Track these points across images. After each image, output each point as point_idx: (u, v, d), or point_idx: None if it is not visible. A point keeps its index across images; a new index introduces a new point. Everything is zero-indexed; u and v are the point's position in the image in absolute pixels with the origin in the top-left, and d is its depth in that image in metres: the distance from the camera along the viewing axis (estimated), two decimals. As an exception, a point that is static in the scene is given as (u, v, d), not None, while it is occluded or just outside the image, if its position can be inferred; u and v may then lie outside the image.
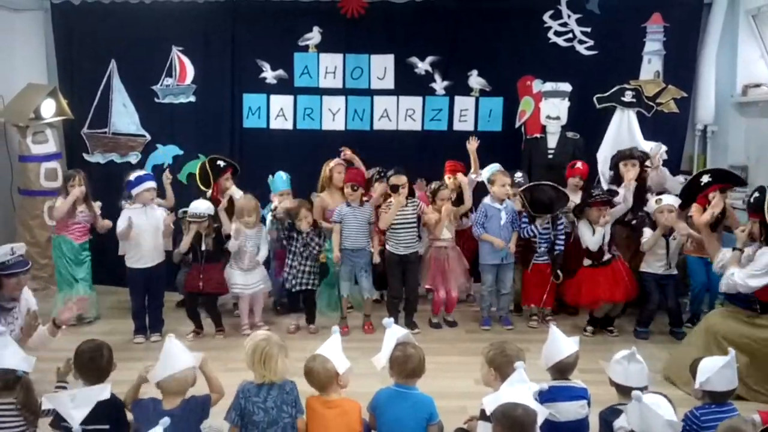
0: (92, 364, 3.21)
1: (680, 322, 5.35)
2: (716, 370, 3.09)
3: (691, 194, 5.18)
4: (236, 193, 5.63)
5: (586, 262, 5.30)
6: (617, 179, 5.51)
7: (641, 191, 5.44)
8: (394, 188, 5.15)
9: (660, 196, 5.27)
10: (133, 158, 6.58)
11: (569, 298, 5.42)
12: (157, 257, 5.19)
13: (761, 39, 6.36)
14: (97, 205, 5.53)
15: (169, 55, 6.52)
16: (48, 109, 6.16)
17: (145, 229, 5.11)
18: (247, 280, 5.28)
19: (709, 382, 3.10)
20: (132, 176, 5.17)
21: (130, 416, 3.21)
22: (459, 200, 5.62)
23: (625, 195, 5.35)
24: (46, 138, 6.23)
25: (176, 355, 3.16)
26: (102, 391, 3.06)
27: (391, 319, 3.38)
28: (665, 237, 5.17)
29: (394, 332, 3.28)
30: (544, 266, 5.42)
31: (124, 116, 6.58)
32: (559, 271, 5.40)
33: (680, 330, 5.28)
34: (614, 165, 5.56)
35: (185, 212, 5.38)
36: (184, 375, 3.12)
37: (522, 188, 5.47)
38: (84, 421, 2.92)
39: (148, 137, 6.61)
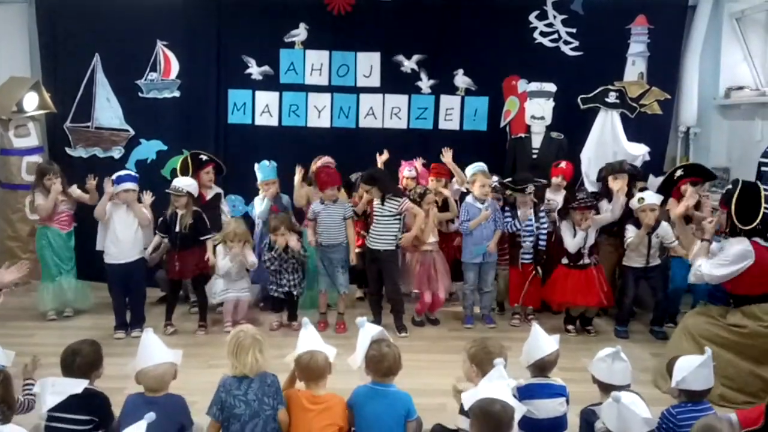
0: (65, 364, 3.20)
1: (662, 320, 5.38)
2: (692, 369, 3.11)
3: (667, 189, 5.25)
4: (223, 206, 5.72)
5: (564, 260, 5.33)
6: (606, 192, 5.49)
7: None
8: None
9: (642, 194, 5.30)
10: (117, 153, 6.53)
11: (544, 294, 5.44)
12: (135, 253, 5.17)
13: (744, 42, 6.43)
14: (73, 189, 5.52)
15: (154, 49, 6.47)
16: (30, 102, 6.10)
17: (124, 223, 5.10)
18: (232, 286, 5.30)
19: (685, 381, 3.12)
20: (114, 175, 5.15)
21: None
22: (443, 206, 5.66)
23: (613, 207, 5.36)
24: (28, 131, 6.18)
25: (152, 348, 3.16)
26: (76, 386, 3.08)
27: (364, 318, 3.39)
28: (647, 235, 5.19)
29: (368, 331, 3.28)
30: (528, 265, 5.43)
31: (108, 110, 6.52)
32: (539, 268, 5.41)
33: (660, 329, 5.32)
34: (603, 177, 5.56)
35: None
36: (161, 369, 3.11)
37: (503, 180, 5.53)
38: (66, 410, 2.99)
39: (132, 132, 6.56)
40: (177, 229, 5.09)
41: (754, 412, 3.17)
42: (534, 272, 5.41)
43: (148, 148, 6.53)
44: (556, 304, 5.43)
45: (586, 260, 5.26)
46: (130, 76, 6.49)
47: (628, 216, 5.32)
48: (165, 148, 6.53)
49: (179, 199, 5.08)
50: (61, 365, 3.22)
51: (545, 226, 5.43)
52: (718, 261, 4.15)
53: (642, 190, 5.43)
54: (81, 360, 3.18)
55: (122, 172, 5.22)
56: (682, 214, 4.81)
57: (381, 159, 6.05)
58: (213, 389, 3.24)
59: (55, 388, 3.06)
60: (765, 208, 4.05)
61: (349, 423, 3.24)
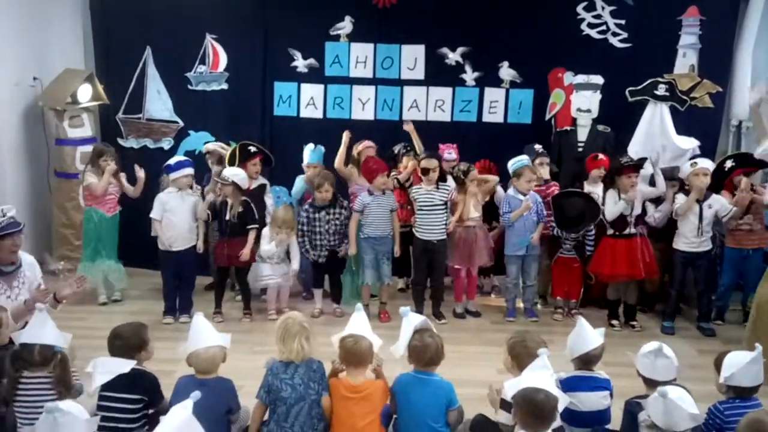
0: (111, 345, 3.30)
1: (708, 315, 5.28)
2: (742, 365, 3.07)
3: (718, 181, 5.14)
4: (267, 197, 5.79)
5: (609, 231, 5.25)
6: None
7: None
8: (425, 171, 5.20)
9: (695, 159, 5.19)
10: (166, 144, 6.69)
11: (591, 268, 5.36)
12: (189, 240, 5.31)
13: (800, 33, 6.24)
14: (122, 176, 5.71)
15: (203, 42, 6.60)
16: (84, 93, 6.30)
17: (179, 212, 5.24)
18: (275, 270, 5.37)
19: (733, 377, 3.08)
20: (172, 161, 5.30)
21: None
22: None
23: (657, 184, 5.28)
24: (82, 122, 6.37)
25: (202, 331, 3.25)
26: (124, 366, 3.18)
27: (408, 308, 3.42)
28: (699, 203, 5.07)
29: (410, 321, 3.32)
30: (571, 260, 5.39)
31: (158, 102, 6.69)
32: (591, 273, 5.36)
33: (708, 325, 5.23)
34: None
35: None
36: (211, 352, 3.20)
37: (554, 196, 5.46)
38: (116, 390, 3.10)
39: (181, 123, 6.71)
40: (227, 217, 5.21)
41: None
42: (581, 266, 5.39)
43: (197, 140, 6.65)
44: (605, 277, 5.32)
45: (632, 230, 5.17)
46: (179, 69, 6.63)
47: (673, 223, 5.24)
48: (213, 139, 6.62)
49: (225, 188, 5.19)
50: (108, 347, 3.32)
51: (592, 232, 5.38)
52: None
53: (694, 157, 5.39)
54: (120, 343, 3.28)
55: (181, 158, 5.36)
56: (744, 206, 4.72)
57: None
58: (258, 375, 3.35)
59: (105, 368, 3.17)
60: None
61: (392, 410, 3.29)
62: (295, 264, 5.40)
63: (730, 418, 2.97)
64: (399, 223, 5.42)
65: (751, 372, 3.05)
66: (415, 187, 5.34)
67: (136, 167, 5.74)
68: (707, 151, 6.21)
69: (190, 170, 5.31)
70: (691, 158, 5.47)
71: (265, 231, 5.35)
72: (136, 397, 3.16)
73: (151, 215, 5.30)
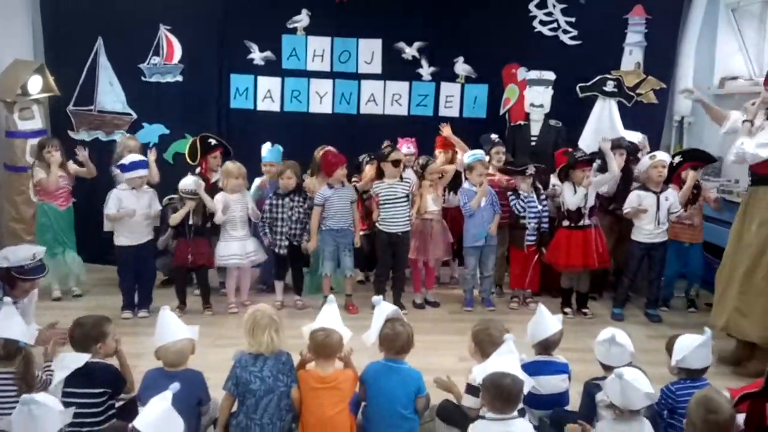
0: (71, 333, 3.29)
1: (656, 302, 5.52)
2: (692, 348, 3.22)
3: (667, 177, 5.38)
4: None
5: (565, 223, 5.41)
6: (604, 167, 5.61)
7: (627, 182, 5.56)
8: (396, 163, 5.28)
9: (654, 153, 5.42)
10: (119, 136, 6.54)
11: (547, 257, 5.50)
12: (146, 235, 5.27)
13: (740, 33, 6.55)
14: (71, 165, 5.64)
15: (157, 33, 6.52)
16: (35, 85, 6.13)
17: (135, 207, 5.17)
18: (243, 249, 5.34)
19: (684, 360, 3.23)
20: (126, 160, 5.21)
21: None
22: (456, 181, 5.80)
23: (612, 171, 5.47)
24: (32, 114, 6.20)
25: (170, 324, 3.26)
26: (79, 359, 3.15)
27: (380, 297, 3.50)
28: (656, 194, 5.28)
29: (383, 309, 3.39)
30: (531, 246, 5.52)
31: (111, 94, 6.57)
32: (543, 249, 5.52)
33: (655, 312, 5.46)
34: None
35: (171, 199, 5.55)
36: (180, 345, 3.21)
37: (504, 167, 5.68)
38: (76, 385, 3.06)
39: (134, 116, 6.62)
40: (190, 222, 5.21)
41: (737, 393, 3.31)
42: (538, 254, 5.52)
43: (151, 132, 6.57)
44: (559, 266, 5.47)
45: (587, 221, 5.35)
46: (133, 60, 6.53)
47: (624, 193, 5.46)
48: (167, 132, 6.58)
49: (189, 202, 5.21)
50: (69, 338, 3.31)
51: (547, 209, 5.55)
52: (762, 140, 4.15)
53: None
54: (80, 331, 3.26)
55: (135, 158, 5.26)
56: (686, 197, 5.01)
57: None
58: (222, 367, 3.36)
59: (63, 363, 3.14)
60: None
61: (361, 397, 3.36)
62: (252, 205, 5.40)
63: (681, 398, 3.13)
64: (360, 230, 5.51)
65: (701, 354, 3.22)
66: (376, 182, 5.40)
67: (79, 148, 5.67)
68: (652, 145, 6.46)
69: (144, 172, 5.25)
70: (649, 152, 5.70)
71: (218, 197, 5.30)
72: (98, 391, 3.13)
73: (106, 211, 5.21)
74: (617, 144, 5.68)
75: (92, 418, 3.08)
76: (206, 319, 5.22)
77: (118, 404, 3.25)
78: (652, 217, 5.26)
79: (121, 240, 5.22)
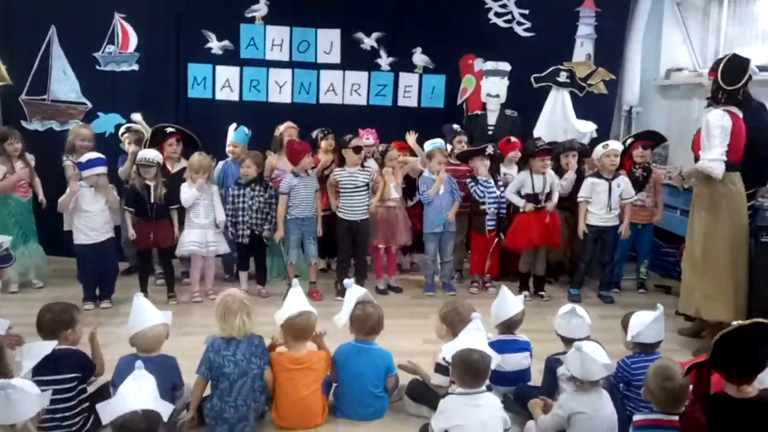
0: (40, 319, 3.30)
1: (608, 284, 5.75)
2: (646, 324, 3.41)
3: (619, 160, 5.62)
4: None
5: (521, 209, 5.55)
6: (558, 168, 5.82)
7: (580, 181, 5.71)
8: (357, 150, 5.36)
9: (606, 142, 5.64)
10: (73, 126, 6.43)
11: (507, 242, 5.65)
12: (107, 232, 5.21)
13: (684, 26, 6.85)
14: (30, 158, 5.59)
15: (112, 21, 6.41)
16: (-15, 74, 5.99)
17: (93, 205, 5.12)
18: (204, 237, 5.31)
19: (639, 335, 3.41)
20: (84, 158, 5.13)
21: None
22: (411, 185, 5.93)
23: (567, 183, 5.72)
24: (-18, 104, 6.06)
25: (145, 311, 3.28)
26: (46, 347, 3.14)
27: (352, 280, 3.60)
28: (608, 181, 5.48)
29: (354, 292, 3.49)
30: (492, 231, 5.66)
31: (64, 83, 6.43)
32: (502, 235, 5.68)
33: (607, 293, 5.70)
34: (555, 156, 5.85)
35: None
36: (156, 330, 3.24)
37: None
38: (46, 373, 3.07)
39: (89, 105, 6.49)
40: (152, 200, 5.12)
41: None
42: (497, 239, 5.67)
43: (107, 122, 6.46)
44: (521, 246, 5.59)
45: (543, 204, 5.52)
46: (87, 49, 6.40)
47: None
48: (124, 121, 6.43)
49: (149, 170, 5.10)
50: (36, 325, 3.31)
51: (505, 197, 5.70)
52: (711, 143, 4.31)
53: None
54: (49, 316, 3.28)
55: (92, 155, 5.16)
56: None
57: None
58: (191, 354, 3.42)
59: (30, 353, 3.13)
60: (749, 74, 4.28)
61: (332, 378, 3.45)
62: (220, 214, 5.36)
63: (636, 371, 3.32)
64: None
65: (654, 330, 3.41)
66: (337, 169, 5.46)
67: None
68: (602, 134, 6.72)
69: (101, 169, 5.14)
70: (589, 140, 5.92)
71: (184, 186, 5.29)
72: (68, 377, 3.15)
73: (61, 205, 5.13)
74: (569, 146, 5.89)
75: (64, 404, 3.11)
76: (170, 308, 5.16)
77: (90, 389, 3.27)
78: (604, 202, 5.47)
79: (80, 238, 5.13)
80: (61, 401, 3.10)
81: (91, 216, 5.12)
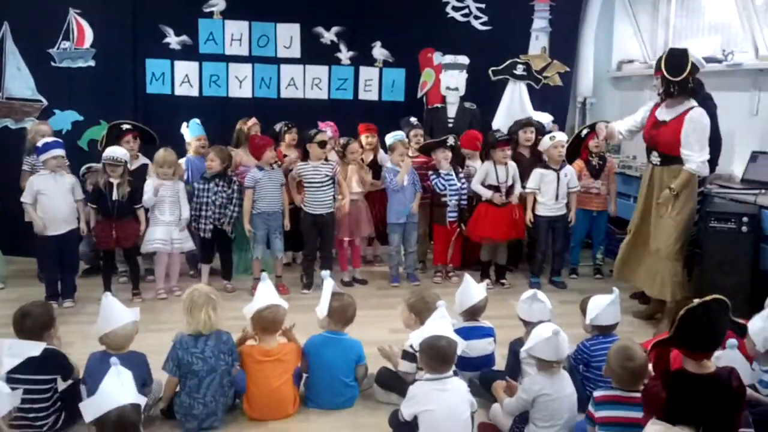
0: (20, 324, 3.28)
1: (559, 271, 5.94)
2: (603, 307, 3.56)
3: (575, 149, 5.79)
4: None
5: (484, 198, 5.68)
6: (515, 143, 5.99)
7: (537, 158, 5.90)
8: (322, 144, 5.41)
9: (553, 134, 5.81)
10: (29, 124, 6.24)
11: (468, 231, 5.77)
12: (70, 223, 5.14)
13: (635, 19, 7.07)
14: None
15: (66, 17, 6.30)
16: (-65, 71, 5.83)
17: (55, 194, 5.04)
18: (168, 234, 5.28)
19: (597, 318, 3.57)
20: (40, 142, 5.06)
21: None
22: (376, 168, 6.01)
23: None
24: (-67, 102, 5.91)
25: (116, 310, 3.30)
26: (34, 348, 3.17)
27: (328, 272, 3.68)
28: (556, 171, 5.64)
29: (330, 283, 3.57)
30: (453, 222, 5.76)
31: (19, 80, 6.28)
32: (463, 225, 5.80)
33: (559, 279, 5.89)
34: (514, 132, 6.03)
35: (89, 168, 5.57)
36: (126, 330, 3.26)
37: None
38: (26, 372, 3.09)
39: (45, 102, 6.36)
40: (114, 198, 5.06)
41: (648, 344, 3.69)
42: (459, 230, 5.78)
43: (63, 119, 6.35)
44: (477, 237, 5.74)
45: (506, 198, 5.65)
46: (41, 45, 6.27)
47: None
48: (81, 118, 6.38)
49: (116, 169, 5.05)
50: (14, 328, 3.29)
51: (465, 187, 5.81)
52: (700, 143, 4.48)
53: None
54: (32, 321, 3.27)
55: (49, 139, 5.11)
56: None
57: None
58: (159, 350, 3.45)
59: (13, 350, 3.14)
60: (692, 63, 4.44)
61: (303, 369, 3.51)
62: (185, 212, 5.34)
63: (595, 353, 3.47)
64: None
65: (611, 312, 3.56)
66: (300, 164, 5.50)
67: None
68: (559, 124, 6.90)
69: (58, 151, 5.08)
70: (548, 132, 6.07)
71: (148, 182, 5.26)
72: (48, 377, 3.17)
73: (22, 199, 5.07)
74: (527, 122, 6.05)
75: (38, 404, 3.12)
76: (136, 306, 5.16)
77: (60, 387, 3.27)
78: (553, 192, 5.64)
79: (41, 229, 5.05)
80: (35, 401, 3.12)
81: (53, 205, 5.04)
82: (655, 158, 4.77)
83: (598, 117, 7.16)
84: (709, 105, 4.76)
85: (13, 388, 3.00)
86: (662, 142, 4.64)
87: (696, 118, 4.48)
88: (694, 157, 4.50)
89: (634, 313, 5.12)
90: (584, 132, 5.91)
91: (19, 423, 3.00)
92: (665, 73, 4.49)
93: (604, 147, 5.94)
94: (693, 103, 4.54)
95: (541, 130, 6.12)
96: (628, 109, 6.92)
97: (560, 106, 7.13)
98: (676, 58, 4.50)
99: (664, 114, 4.66)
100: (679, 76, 4.45)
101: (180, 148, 5.85)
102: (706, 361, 2.62)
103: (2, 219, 5.62)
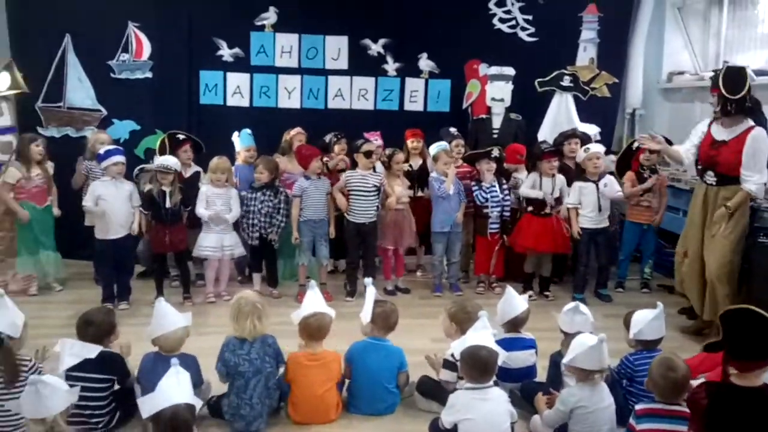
0: (83, 331, 3.45)
1: (605, 284, 5.86)
2: (647, 321, 3.54)
3: (625, 162, 5.73)
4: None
5: (530, 208, 5.69)
6: (561, 155, 5.93)
7: (580, 171, 5.79)
8: (368, 154, 5.50)
9: (588, 145, 5.75)
10: (89, 133, 6.54)
11: (511, 242, 5.77)
12: (126, 228, 5.33)
13: (685, 30, 6.97)
14: (49, 165, 5.72)
15: (125, 30, 6.57)
16: (3, 82, 6.11)
17: (114, 201, 5.25)
18: (220, 242, 5.43)
19: (641, 332, 3.55)
20: (102, 149, 5.29)
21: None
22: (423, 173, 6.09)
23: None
24: (1, 111, 6.21)
25: (168, 315, 3.44)
26: (91, 351, 3.33)
27: (371, 279, 3.77)
28: (594, 183, 5.59)
29: (372, 290, 3.68)
30: (495, 234, 5.77)
31: (80, 91, 6.59)
32: (505, 237, 5.80)
33: (605, 292, 5.81)
34: (559, 143, 6.02)
35: (141, 169, 5.76)
36: (176, 334, 3.40)
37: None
38: (83, 370, 3.24)
39: (104, 112, 6.65)
40: (168, 205, 5.25)
41: (695, 360, 3.65)
42: (501, 241, 5.79)
43: (121, 128, 6.63)
44: (521, 248, 5.73)
45: (548, 210, 5.65)
46: (102, 57, 6.56)
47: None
48: (138, 128, 6.64)
49: (166, 177, 5.24)
50: (77, 333, 3.45)
51: (509, 198, 5.81)
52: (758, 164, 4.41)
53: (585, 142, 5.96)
54: (94, 329, 3.44)
55: (110, 147, 5.36)
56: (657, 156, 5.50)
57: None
58: (208, 353, 3.56)
59: (73, 350, 3.30)
60: (750, 82, 4.38)
61: (345, 375, 3.60)
62: (234, 213, 5.47)
63: (639, 367, 3.45)
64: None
65: (655, 327, 3.54)
66: (348, 172, 5.60)
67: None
68: (606, 136, 6.86)
69: (119, 158, 5.31)
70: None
71: (202, 189, 5.43)
72: (105, 377, 3.32)
73: (84, 203, 5.31)
74: (572, 133, 6.03)
75: (96, 402, 3.27)
76: (186, 309, 5.32)
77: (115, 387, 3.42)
78: (593, 204, 5.58)
79: (101, 234, 5.28)
80: (92, 399, 3.27)
81: (113, 210, 5.24)
82: (711, 178, 4.67)
83: (648, 128, 7.08)
84: (763, 123, 4.66)
85: (71, 386, 3.19)
86: (722, 162, 4.55)
87: (759, 137, 4.40)
88: (754, 178, 4.42)
89: (682, 328, 5.04)
90: (635, 144, 5.85)
91: (76, 420, 3.14)
92: (723, 90, 4.41)
93: (656, 160, 5.86)
94: (750, 122, 4.45)
95: (586, 142, 6.08)
96: (677, 120, 6.89)
97: (608, 118, 7.08)
98: (734, 76, 4.42)
99: (722, 133, 4.57)
100: (737, 94, 4.38)
101: (230, 157, 6.01)
102: (756, 373, 2.58)
103: (62, 224, 5.87)
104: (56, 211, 5.77)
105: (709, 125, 4.70)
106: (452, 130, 6.31)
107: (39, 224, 5.62)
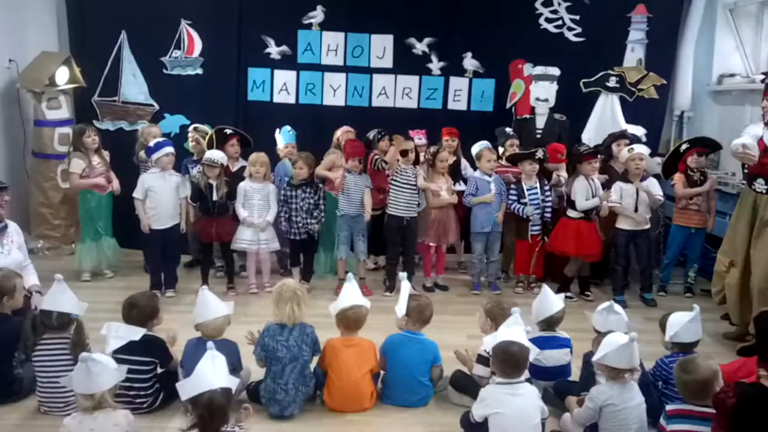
0: (127, 313, 3.63)
1: (649, 287, 5.79)
2: (683, 324, 3.53)
3: (673, 163, 5.65)
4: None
5: (569, 213, 5.66)
6: (610, 156, 5.97)
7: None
8: (404, 153, 5.56)
9: (632, 146, 5.69)
10: (143, 126, 6.84)
11: (548, 244, 5.75)
12: (173, 218, 5.53)
13: (737, 32, 6.81)
14: (105, 154, 5.94)
15: (178, 28, 6.80)
16: (62, 76, 6.42)
17: (163, 191, 5.44)
18: (256, 236, 5.55)
19: (677, 335, 3.53)
20: (151, 142, 5.49)
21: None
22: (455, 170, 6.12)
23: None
24: (59, 104, 6.50)
25: (209, 303, 3.59)
26: (135, 333, 3.51)
27: (406, 273, 3.84)
28: (634, 185, 5.52)
29: (407, 284, 3.74)
30: (535, 236, 5.78)
31: (134, 86, 6.87)
32: (546, 238, 5.79)
33: (649, 296, 5.74)
34: (607, 145, 5.99)
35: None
36: (217, 321, 3.55)
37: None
38: (128, 353, 3.42)
39: (156, 107, 6.90)
40: (215, 198, 5.44)
41: (733, 365, 3.61)
42: (541, 242, 5.78)
43: (172, 123, 6.85)
44: (557, 251, 5.71)
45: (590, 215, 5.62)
46: (155, 53, 6.82)
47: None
48: (188, 122, 6.80)
49: (212, 170, 5.41)
50: (122, 316, 3.63)
51: (550, 199, 5.81)
52: None
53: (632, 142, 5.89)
54: (137, 312, 3.61)
55: (160, 138, 5.57)
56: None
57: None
58: (245, 341, 3.72)
59: (118, 333, 3.48)
60: None
61: (380, 366, 3.68)
62: (271, 214, 5.58)
63: (673, 370, 3.43)
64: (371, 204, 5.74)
65: (691, 329, 3.52)
66: (397, 165, 5.67)
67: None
68: (652, 138, 6.76)
69: (169, 149, 5.49)
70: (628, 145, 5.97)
71: (242, 184, 5.56)
72: (148, 359, 3.48)
73: (134, 195, 5.51)
74: (621, 134, 5.98)
75: (139, 383, 3.43)
76: (230, 298, 5.48)
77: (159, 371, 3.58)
78: (633, 206, 5.52)
79: (150, 223, 5.46)
80: (136, 381, 3.44)
81: (161, 201, 5.42)
82: (762, 186, 4.58)
83: (696, 131, 6.98)
84: None
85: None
86: None
87: None
88: None
89: (724, 334, 4.96)
90: (683, 147, 5.77)
91: (122, 399, 3.30)
92: None
93: (704, 163, 5.77)
94: None
95: (634, 141, 6.02)
96: (727, 123, 6.74)
97: (655, 120, 6.97)
98: None
99: None
100: None
101: (273, 154, 6.16)
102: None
103: (121, 213, 6.08)
104: (116, 188, 5.89)
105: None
106: (508, 129, 6.34)
107: (101, 212, 5.87)
